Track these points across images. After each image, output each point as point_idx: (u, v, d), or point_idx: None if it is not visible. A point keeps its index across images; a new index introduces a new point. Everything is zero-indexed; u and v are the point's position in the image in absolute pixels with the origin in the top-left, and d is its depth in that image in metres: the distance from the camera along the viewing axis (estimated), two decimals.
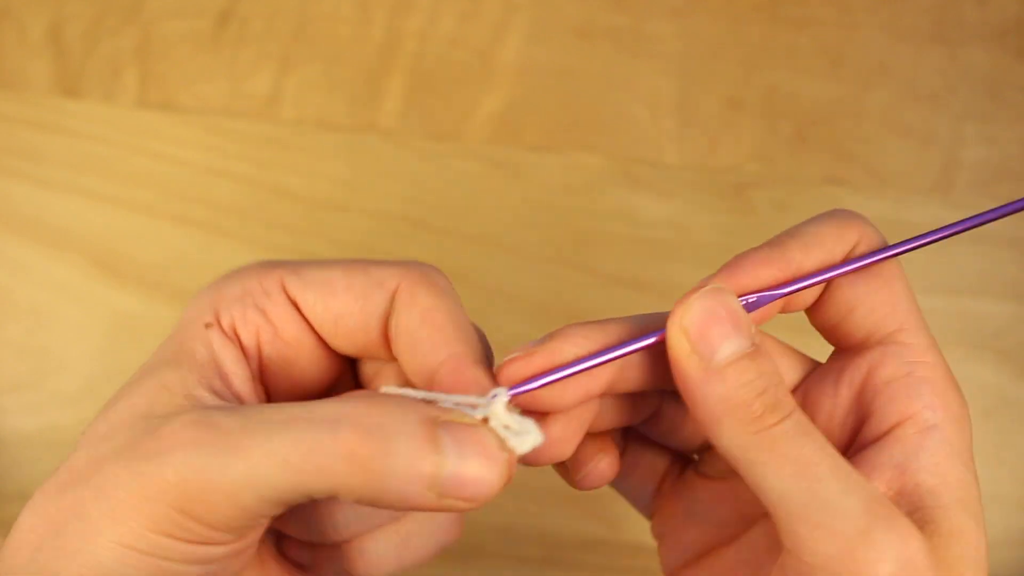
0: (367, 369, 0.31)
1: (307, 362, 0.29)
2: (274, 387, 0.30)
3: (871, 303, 0.28)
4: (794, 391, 0.30)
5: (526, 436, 0.25)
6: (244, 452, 0.24)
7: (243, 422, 0.25)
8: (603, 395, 0.29)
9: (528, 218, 0.54)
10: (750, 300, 0.27)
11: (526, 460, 0.27)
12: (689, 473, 0.33)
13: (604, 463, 0.31)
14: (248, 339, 0.28)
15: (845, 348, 0.30)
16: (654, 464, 0.34)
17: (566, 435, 0.28)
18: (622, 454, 0.33)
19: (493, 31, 0.55)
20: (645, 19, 0.56)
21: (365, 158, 0.54)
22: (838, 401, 0.29)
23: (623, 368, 0.28)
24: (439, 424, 0.25)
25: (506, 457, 0.25)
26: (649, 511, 0.35)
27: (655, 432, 0.33)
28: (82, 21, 0.55)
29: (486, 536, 0.51)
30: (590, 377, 0.28)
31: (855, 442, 0.28)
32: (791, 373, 0.31)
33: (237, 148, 0.54)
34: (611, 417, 0.31)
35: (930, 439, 0.27)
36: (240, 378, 0.28)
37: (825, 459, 0.25)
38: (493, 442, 0.25)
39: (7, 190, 0.53)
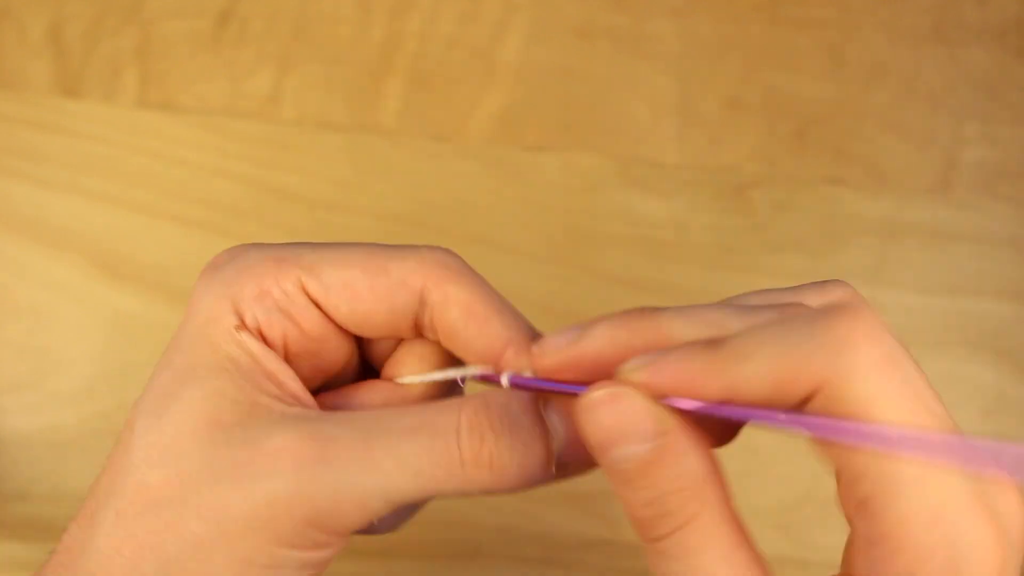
0: (382, 343, 0.31)
1: (329, 349, 0.30)
2: (299, 374, 0.30)
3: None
4: None
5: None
6: (374, 464, 0.25)
7: (360, 434, 0.26)
8: None
9: (528, 218, 0.54)
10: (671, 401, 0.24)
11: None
12: None
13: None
14: (275, 339, 0.29)
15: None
16: None
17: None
18: None
19: (493, 31, 0.55)
20: (645, 19, 0.56)
21: (365, 158, 0.54)
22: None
23: None
24: (545, 408, 0.26)
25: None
26: None
27: None
28: (82, 21, 0.55)
29: (486, 536, 0.51)
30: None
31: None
32: None
33: (237, 148, 0.54)
34: None
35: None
36: (289, 378, 0.28)
37: (729, 570, 0.23)
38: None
39: (7, 190, 0.53)
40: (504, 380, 0.27)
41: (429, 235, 0.53)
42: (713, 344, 0.23)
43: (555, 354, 0.26)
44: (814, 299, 0.26)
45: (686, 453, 0.24)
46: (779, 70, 0.55)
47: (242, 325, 0.28)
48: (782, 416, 0.22)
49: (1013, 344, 0.52)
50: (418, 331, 0.29)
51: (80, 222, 0.53)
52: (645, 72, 0.55)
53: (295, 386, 0.28)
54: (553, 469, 0.26)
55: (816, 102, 0.55)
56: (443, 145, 0.54)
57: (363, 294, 0.28)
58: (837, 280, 0.27)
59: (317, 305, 0.29)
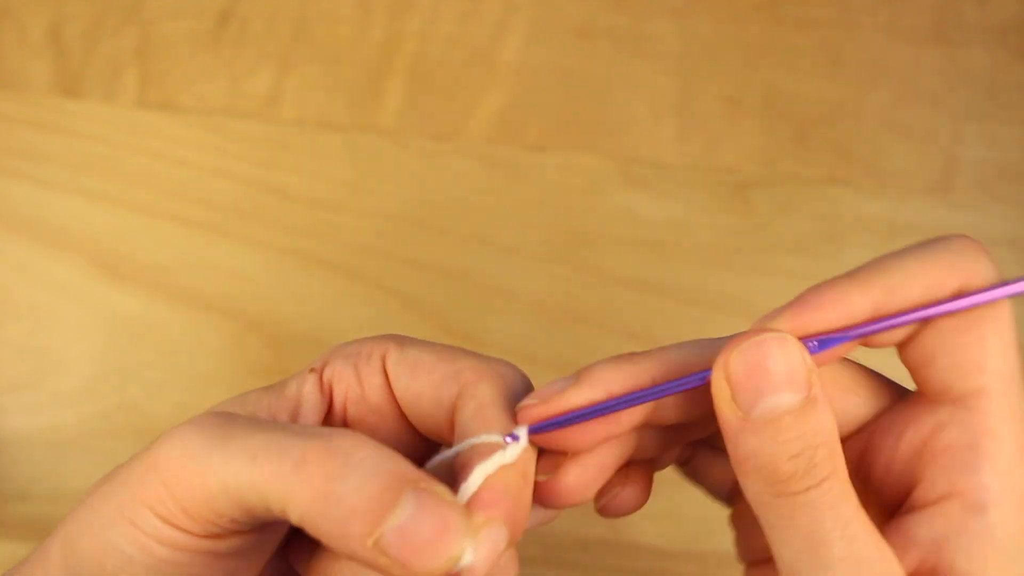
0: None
1: (388, 434, 0.29)
2: None
3: (954, 356, 0.25)
4: (862, 429, 0.28)
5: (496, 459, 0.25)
6: (227, 442, 0.24)
7: (248, 421, 0.25)
8: (640, 428, 0.28)
9: (528, 218, 0.54)
10: (813, 344, 0.25)
11: (544, 502, 0.27)
12: None
13: (627, 492, 0.30)
14: (338, 395, 0.29)
15: (924, 393, 0.27)
16: (725, 470, 0.32)
17: (581, 481, 0.28)
18: (690, 459, 0.32)
19: (493, 31, 0.55)
20: (645, 19, 0.56)
21: (365, 158, 0.54)
22: (897, 455, 0.27)
23: (659, 404, 0.27)
24: (413, 484, 0.23)
25: (457, 550, 0.23)
26: (729, 502, 0.34)
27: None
28: (82, 21, 0.55)
29: None
30: (613, 421, 0.26)
31: (907, 502, 0.26)
32: (864, 407, 0.28)
33: (237, 148, 0.54)
34: (651, 447, 0.29)
35: (975, 521, 0.24)
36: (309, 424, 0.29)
37: (841, 540, 0.24)
38: (456, 524, 0.23)
39: (7, 190, 0.53)
40: (522, 433, 0.26)
41: (429, 235, 0.53)
42: (851, 273, 0.26)
43: (555, 397, 0.26)
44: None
45: (827, 406, 0.24)
46: (779, 70, 0.55)
47: (318, 370, 0.29)
48: (941, 307, 0.25)
49: None
50: (452, 431, 0.29)
51: (80, 222, 0.53)
52: (645, 72, 0.55)
53: None
54: (370, 544, 0.23)
55: (816, 102, 0.55)
56: (443, 145, 0.54)
57: (423, 372, 0.28)
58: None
59: (387, 378, 0.29)
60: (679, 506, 0.49)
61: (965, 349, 0.25)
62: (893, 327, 0.25)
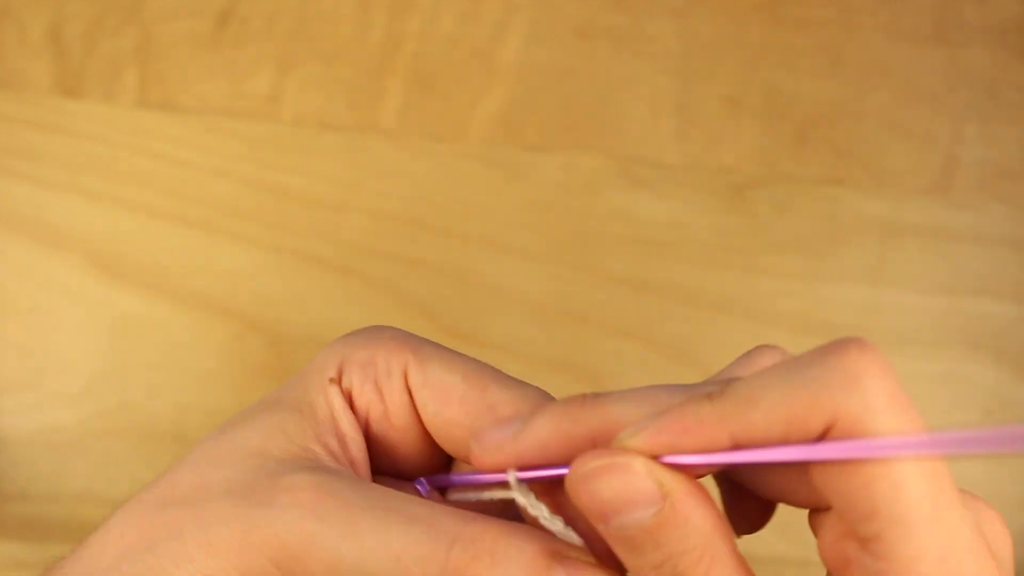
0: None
1: (410, 449, 0.29)
2: (375, 464, 0.30)
3: (839, 500, 0.22)
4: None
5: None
6: (360, 535, 0.24)
7: (366, 503, 0.25)
8: None
9: (528, 218, 0.54)
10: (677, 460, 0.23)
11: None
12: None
13: None
14: (360, 411, 0.29)
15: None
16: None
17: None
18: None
19: (493, 31, 0.55)
20: (645, 19, 0.56)
21: (365, 158, 0.54)
22: (829, 554, 0.24)
23: None
24: (558, 558, 0.24)
25: None
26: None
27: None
28: (82, 21, 0.55)
29: None
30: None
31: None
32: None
33: (237, 148, 0.54)
34: None
35: None
36: (356, 445, 0.28)
37: None
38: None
39: (7, 190, 0.53)
40: (511, 478, 0.26)
41: (429, 235, 0.53)
42: (712, 395, 0.23)
43: (496, 452, 0.26)
44: (745, 371, 0.26)
45: (693, 511, 0.23)
46: (779, 70, 0.55)
47: (337, 381, 0.29)
48: (799, 450, 0.22)
49: (1013, 344, 0.52)
50: None
51: (80, 222, 0.53)
52: (645, 72, 0.55)
53: (359, 455, 0.28)
54: None
55: (816, 102, 0.55)
56: (443, 145, 0.54)
57: (453, 401, 0.28)
58: (763, 346, 0.27)
59: (411, 396, 0.29)
60: None
61: (849, 495, 0.22)
62: (748, 464, 0.23)
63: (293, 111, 0.54)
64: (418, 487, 0.29)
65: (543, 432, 0.25)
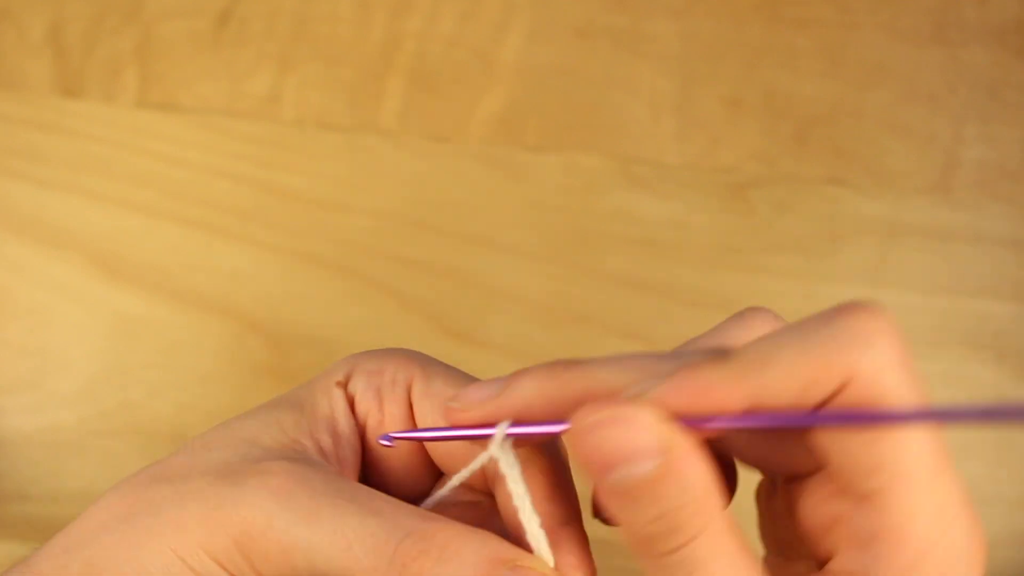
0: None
1: (401, 462, 0.30)
2: (366, 478, 0.30)
3: (845, 457, 0.23)
4: (806, 476, 0.26)
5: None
6: (317, 521, 0.25)
7: (332, 493, 0.25)
8: None
9: (528, 218, 0.54)
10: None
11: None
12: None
13: None
14: (359, 416, 0.29)
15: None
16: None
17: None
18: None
19: (493, 31, 0.55)
20: (645, 19, 0.56)
21: (365, 158, 0.54)
22: (817, 520, 0.25)
23: None
24: (509, 566, 0.24)
25: None
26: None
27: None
28: (82, 21, 0.55)
29: None
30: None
31: (827, 564, 0.25)
32: (807, 459, 0.25)
33: (237, 148, 0.54)
34: None
35: None
36: (350, 446, 0.29)
37: None
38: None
39: (7, 190, 0.53)
40: (500, 430, 0.26)
41: (429, 235, 0.53)
42: (725, 356, 0.23)
43: (477, 407, 0.26)
44: (738, 333, 0.26)
45: (692, 467, 0.23)
46: (779, 70, 0.55)
47: (343, 384, 0.29)
48: (810, 414, 0.22)
49: (1013, 344, 0.52)
50: (486, 486, 0.29)
51: (80, 222, 0.53)
52: (645, 72, 0.55)
53: (350, 456, 0.29)
54: None
55: (816, 102, 0.55)
56: (443, 145, 0.54)
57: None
58: (754, 307, 0.27)
59: (411, 409, 0.29)
60: None
61: (853, 452, 0.23)
62: (763, 428, 0.23)
63: (293, 111, 0.54)
64: (382, 441, 0.29)
65: (527, 391, 0.25)
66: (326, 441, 0.28)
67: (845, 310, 0.23)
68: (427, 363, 0.29)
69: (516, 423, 0.26)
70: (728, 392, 0.23)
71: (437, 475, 0.30)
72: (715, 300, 0.53)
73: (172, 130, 0.54)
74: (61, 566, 0.26)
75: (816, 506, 0.25)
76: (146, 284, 0.53)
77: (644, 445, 0.23)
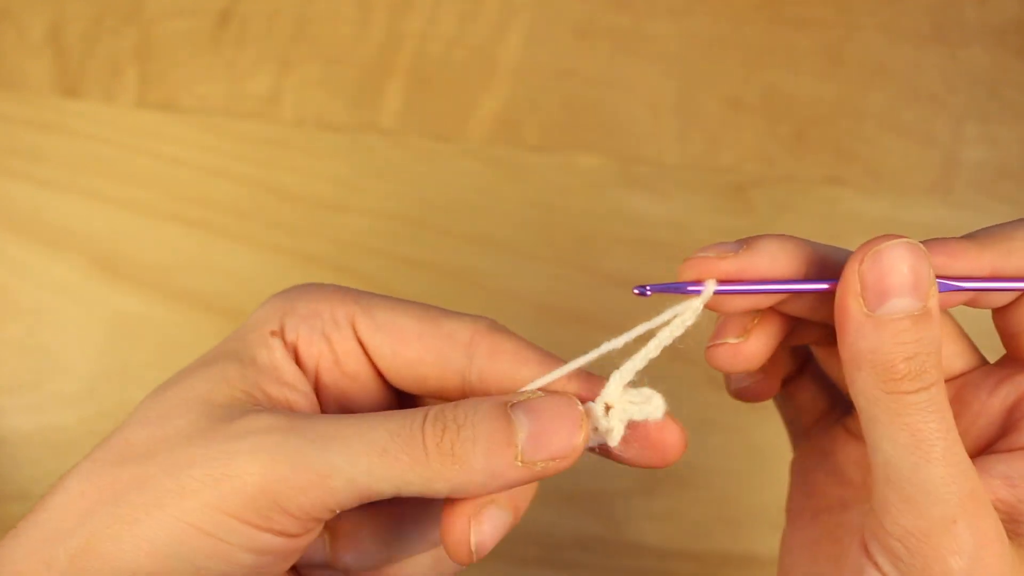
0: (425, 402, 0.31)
1: (362, 394, 0.30)
2: (326, 411, 0.30)
3: None
4: (952, 380, 0.30)
5: (646, 406, 0.27)
6: (342, 441, 0.25)
7: (333, 420, 0.26)
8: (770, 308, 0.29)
9: (528, 218, 0.54)
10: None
11: (725, 363, 0.29)
12: (837, 426, 0.33)
13: (766, 379, 0.31)
14: (308, 361, 0.29)
15: (1017, 359, 0.30)
16: (815, 402, 0.34)
17: (758, 350, 0.29)
18: (792, 379, 0.34)
19: (493, 31, 0.55)
20: (645, 19, 0.56)
21: (365, 158, 0.54)
22: (987, 408, 0.29)
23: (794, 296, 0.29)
24: (511, 405, 0.27)
25: (579, 413, 0.27)
26: (795, 445, 0.35)
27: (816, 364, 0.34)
28: (82, 21, 0.55)
29: None
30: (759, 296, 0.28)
31: (992, 447, 0.29)
32: (956, 361, 0.30)
33: (237, 148, 0.54)
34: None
35: None
36: (301, 394, 0.29)
37: (942, 442, 0.26)
38: (563, 402, 0.27)
39: (7, 190, 0.53)
40: (709, 287, 0.28)
41: (429, 235, 0.53)
42: (975, 235, 0.27)
43: (721, 260, 0.28)
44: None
45: (938, 319, 0.26)
46: (779, 70, 0.55)
47: (279, 333, 0.29)
48: None
49: None
50: (460, 389, 0.29)
51: (80, 222, 0.53)
52: (645, 72, 0.55)
53: (303, 404, 0.29)
54: (520, 464, 0.26)
55: (816, 102, 0.55)
56: (443, 145, 0.54)
57: (411, 340, 0.29)
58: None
59: (362, 344, 0.29)
60: (679, 506, 0.49)
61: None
62: (1005, 291, 0.27)
63: (293, 111, 0.54)
64: (635, 291, 0.31)
65: (772, 246, 0.28)
66: (275, 392, 0.28)
67: None
68: (360, 297, 0.30)
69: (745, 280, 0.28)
70: (977, 257, 0.27)
71: (393, 396, 0.31)
72: None
73: (172, 130, 0.54)
74: (45, 561, 0.26)
75: (985, 399, 0.29)
76: (146, 284, 0.53)
77: (923, 284, 0.26)
